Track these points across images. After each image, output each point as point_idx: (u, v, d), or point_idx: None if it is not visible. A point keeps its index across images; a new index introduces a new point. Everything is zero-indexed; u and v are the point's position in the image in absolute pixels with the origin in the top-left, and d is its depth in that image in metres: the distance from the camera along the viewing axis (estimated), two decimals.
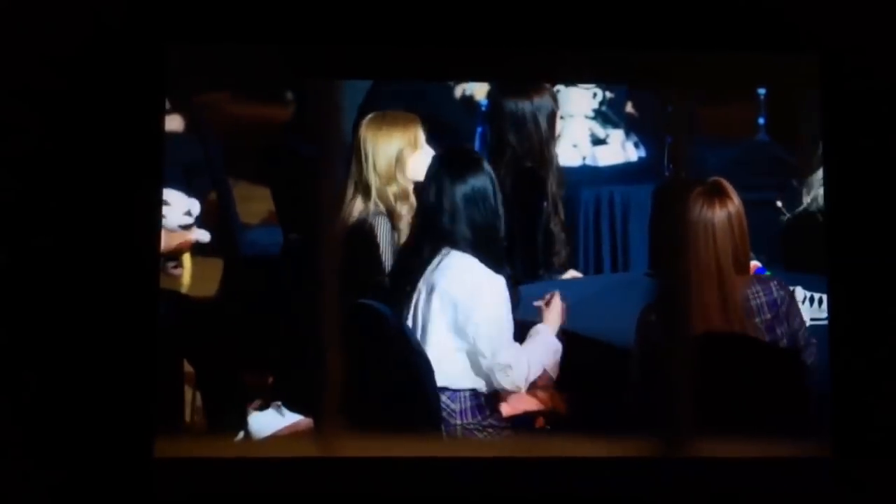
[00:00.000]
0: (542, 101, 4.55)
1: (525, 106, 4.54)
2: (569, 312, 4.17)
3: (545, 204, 4.54)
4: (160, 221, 4.15)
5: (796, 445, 4.02)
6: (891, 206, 4.14)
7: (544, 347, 4.11)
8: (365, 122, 4.37)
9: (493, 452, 4.06)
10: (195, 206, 4.51)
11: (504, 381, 4.03)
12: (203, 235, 4.50)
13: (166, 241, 4.32)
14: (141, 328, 3.97)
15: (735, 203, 4.01)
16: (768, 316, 4.02)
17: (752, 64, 4.25)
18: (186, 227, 4.52)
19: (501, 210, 4.05)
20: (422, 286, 4.04)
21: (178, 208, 4.46)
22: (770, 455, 4.00)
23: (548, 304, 4.17)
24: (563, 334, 4.16)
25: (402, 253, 4.19)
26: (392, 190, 4.33)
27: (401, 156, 4.33)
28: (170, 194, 4.38)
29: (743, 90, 4.58)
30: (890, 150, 4.16)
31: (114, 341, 3.96)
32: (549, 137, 4.55)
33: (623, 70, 4.33)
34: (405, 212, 4.32)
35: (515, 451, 4.09)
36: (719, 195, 4.01)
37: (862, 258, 4.12)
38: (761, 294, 4.02)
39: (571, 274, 4.65)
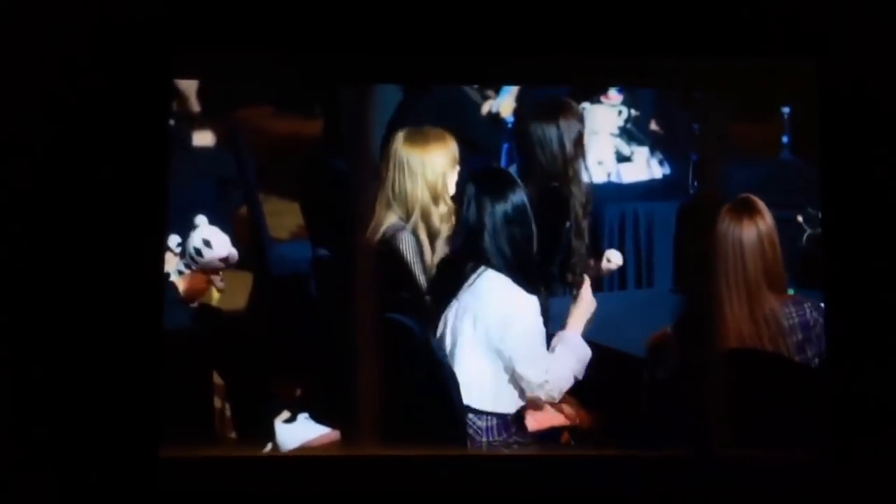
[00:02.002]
0: (568, 120, 4.54)
1: (551, 126, 4.53)
2: (594, 315, 4.18)
3: (568, 223, 4.54)
4: (167, 226, 4.18)
5: (796, 447, 4.06)
6: (890, 207, 4.18)
7: (575, 356, 4.12)
8: (403, 137, 4.31)
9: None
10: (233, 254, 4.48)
11: (541, 394, 4.08)
12: (219, 282, 4.46)
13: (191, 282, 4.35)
14: (146, 335, 4.03)
15: (766, 220, 4.08)
16: (800, 336, 4.06)
17: (750, 67, 4.29)
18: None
19: (535, 229, 4.09)
20: (455, 303, 4.07)
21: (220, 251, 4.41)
22: (770, 456, 4.04)
23: (580, 286, 4.19)
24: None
25: (439, 269, 4.22)
26: (440, 210, 4.29)
27: (445, 174, 4.31)
28: (214, 235, 4.37)
29: (746, 98, 4.59)
30: (888, 154, 4.19)
31: (120, 347, 4.02)
32: (575, 156, 4.54)
33: (621, 72, 4.38)
34: (445, 230, 4.29)
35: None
36: (748, 211, 4.07)
37: (860, 259, 4.16)
38: (795, 315, 4.07)
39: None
